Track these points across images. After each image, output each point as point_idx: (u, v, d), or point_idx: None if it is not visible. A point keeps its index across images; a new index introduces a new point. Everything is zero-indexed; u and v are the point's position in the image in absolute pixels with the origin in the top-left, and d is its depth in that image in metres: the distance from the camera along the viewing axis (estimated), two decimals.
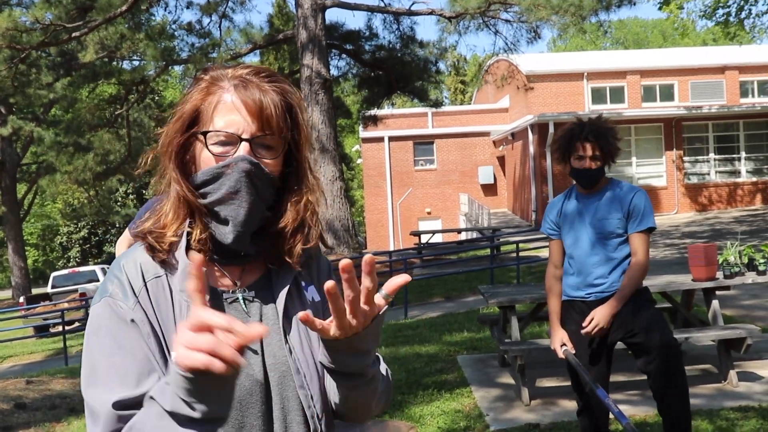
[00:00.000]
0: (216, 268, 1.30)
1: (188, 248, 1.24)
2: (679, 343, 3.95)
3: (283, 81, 1.28)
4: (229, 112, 1.22)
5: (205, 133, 1.23)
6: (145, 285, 1.22)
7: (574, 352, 3.82)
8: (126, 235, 3.68)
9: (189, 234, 1.25)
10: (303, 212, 1.30)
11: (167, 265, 1.25)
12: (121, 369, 1.16)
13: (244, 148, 1.22)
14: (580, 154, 3.70)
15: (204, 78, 1.28)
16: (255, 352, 1.25)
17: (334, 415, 1.34)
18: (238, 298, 1.29)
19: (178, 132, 1.25)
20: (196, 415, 1.01)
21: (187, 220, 1.25)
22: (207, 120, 1.24)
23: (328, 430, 1.32)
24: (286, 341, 1.28)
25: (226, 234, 1.24)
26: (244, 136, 1.22)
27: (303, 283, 1.36)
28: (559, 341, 3.88)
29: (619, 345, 4.01)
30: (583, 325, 3.72)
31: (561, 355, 3.84)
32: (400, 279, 1.11)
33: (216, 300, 1.26)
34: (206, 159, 1.23)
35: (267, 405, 1.24)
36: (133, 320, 1.19)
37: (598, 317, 3.69)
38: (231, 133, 1.22)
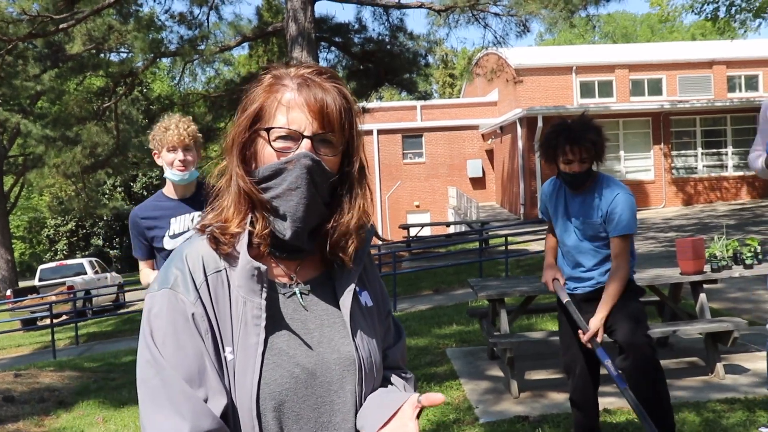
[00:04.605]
0: (273, 263, 1.32)
1: (249, 244, 1.27)
2: (652, 340, 3.94)
3: (342, 83, 1.31)
4: (292, 110, 1.26)
5: (268, 130, 1.26)
6: (206, 279, 1.25)
7: (563, 283, 3.89)
8: (146, 270, 3.64)
9: (250, 231, 1.28)
10: (360, 212, 1.33)
11: (229, 257, 1.27)
12: (176, 364, 1.19)
13: (305, 145, 1.25)
14: (568, 158, 3.67)
15: (267, 77, 1.31)
16: (309, 346, 1.28)
17: None
18: (295, 293, 1.32)
19: (244, 128, 1.29)
20: None
21: (249, 215, 1.28)
22: (270, 117, 1.27)
23: None
24: (353, 339, 1.31)
25: (285, 229, 1.27)
26: (306, 133, 1.25)
27: (357, 288, 1.38)
28: (551, 276, 3.93)
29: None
30: (583, 339, 3.72)
31: (551, 288, 3.91)
32: (436, 398, 1.22)
33: (274, 293, 1.29)
34: (268, 155, 1.27)
35: (322, 397, 1.28)
36: (193, 315, 1.21)
37: (594, 325, 3.71)
38: (294, 129, 1.25)
